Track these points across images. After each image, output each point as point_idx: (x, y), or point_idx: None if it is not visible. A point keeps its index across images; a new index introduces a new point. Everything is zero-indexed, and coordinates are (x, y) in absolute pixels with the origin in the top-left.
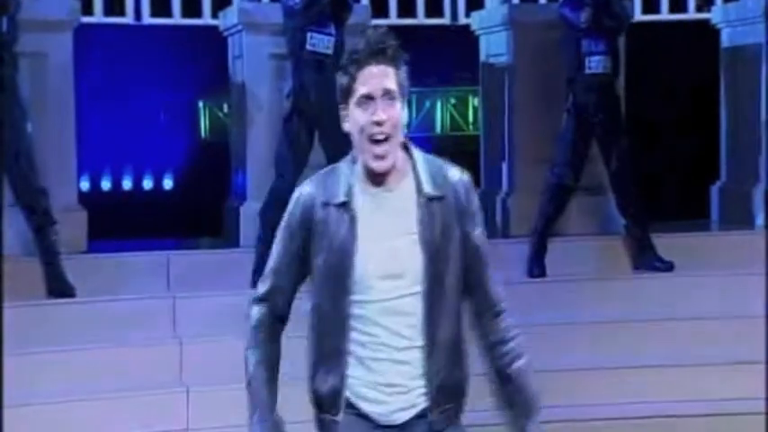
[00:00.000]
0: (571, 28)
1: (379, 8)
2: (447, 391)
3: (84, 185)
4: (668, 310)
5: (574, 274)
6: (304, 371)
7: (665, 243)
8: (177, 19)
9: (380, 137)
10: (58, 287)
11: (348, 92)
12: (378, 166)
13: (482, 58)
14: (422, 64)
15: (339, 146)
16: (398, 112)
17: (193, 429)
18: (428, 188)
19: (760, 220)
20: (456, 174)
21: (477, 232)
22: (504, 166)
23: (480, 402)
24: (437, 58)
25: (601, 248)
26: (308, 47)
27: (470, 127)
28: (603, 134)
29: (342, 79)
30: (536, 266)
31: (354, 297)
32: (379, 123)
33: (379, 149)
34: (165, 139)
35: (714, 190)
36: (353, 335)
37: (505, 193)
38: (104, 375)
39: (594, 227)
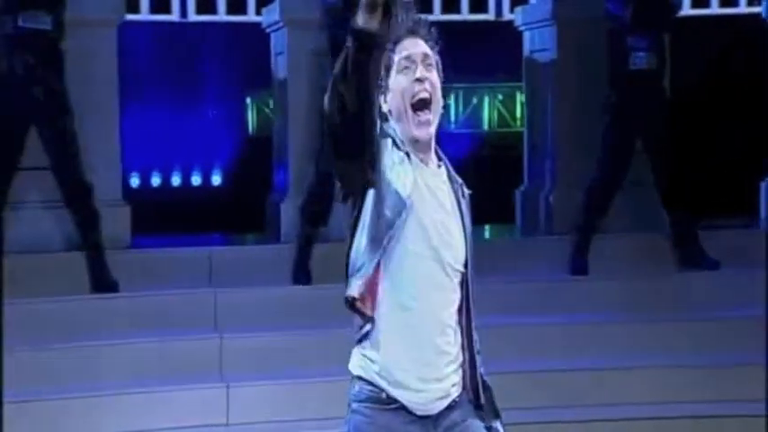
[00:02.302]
0: (616, 23)
1: (424, 4)
2: (475, 383)
3: (135, 181)
4: (714, 310)
5: (616, 272)
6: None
7: (712, 241)
8: (222, 16)
9: (424, 95)
10: (102, 282)
11: (388, 67)
12: (422, 133)
13: (525, 53)
14: (468, 59)
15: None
16: (437, 79)
17: (233, 424)
18: (459, 179)
19: None
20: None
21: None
22: (548, 163)
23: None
24: (484, 54)
25: (645, 246)
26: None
27: (518, 123)
28: (648, 131)
29: (382, 60)
30: (578, 264)
31: (417, 252)
32: (420, 80)
33: (422, 116)
34: (214, 136)
35: (763, 186)
36: (404, 297)
37: (549, 189)
38: (145, 369)
39: (640, 223)
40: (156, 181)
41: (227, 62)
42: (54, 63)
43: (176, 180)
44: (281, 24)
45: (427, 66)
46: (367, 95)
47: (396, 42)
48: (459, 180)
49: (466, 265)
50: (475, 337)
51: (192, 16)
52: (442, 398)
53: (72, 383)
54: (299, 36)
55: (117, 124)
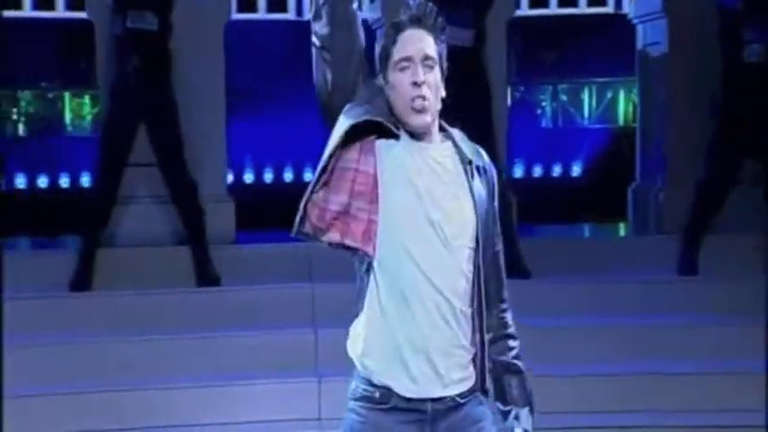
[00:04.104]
0: (728, 14)
1: None
2: (483, 369)
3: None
4: None
5: (727, 273)
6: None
7: None
8: None
9: (420, 103)
10: (206, 276)
11: (387, 56)
12: (418, 120)
13: (638, 47)
14: (600, 53)
15: (481, 134)
16: (437, 78)
17: (325, 419)
18: (469, 154)
19: None
20: (486, 156)
21: (498, 220)
22: (659, 160)
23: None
24: (617, 48)
25: (758, 246)
26: (447, 39)
27: None
28: (761, 128)
29: (381, 43)
30: (687, 264)
31: (408, 210)
32: (417, 84)
33: (417, 103)
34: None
35: None
36: (394, 260)
37: (659, 187)
38: (242, 362)
39: (754, 223)
40: (288, 177)
41: None
42: (162, 63)
43: (288, 176)
44: (383, 22)
45: (428, 66)
46: None
47: (397, 30)
48: (471, 156)
49: (477, 242)
50: (483, 323)
51: (307, 15)
52: (437, 384)
53: (173, 375)
54: None
55: (223, 122)
